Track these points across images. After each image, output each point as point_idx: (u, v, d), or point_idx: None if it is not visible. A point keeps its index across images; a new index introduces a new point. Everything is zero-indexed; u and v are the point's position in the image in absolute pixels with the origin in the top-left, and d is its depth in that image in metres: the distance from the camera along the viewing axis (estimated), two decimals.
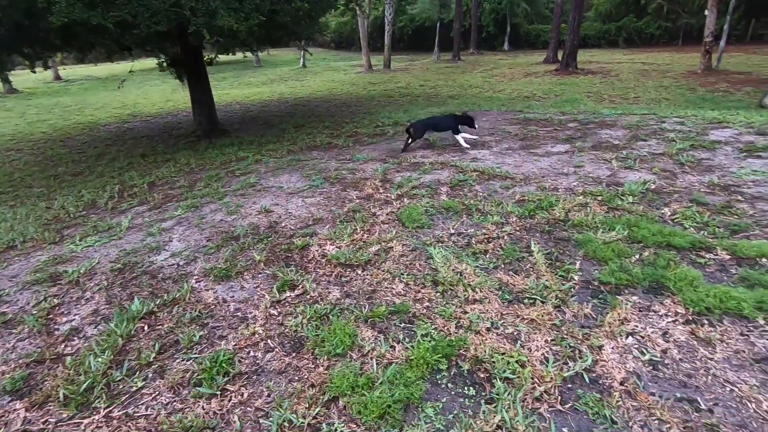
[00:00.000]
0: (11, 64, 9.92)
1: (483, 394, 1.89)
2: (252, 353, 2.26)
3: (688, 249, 2.85)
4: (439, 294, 2.60)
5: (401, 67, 26.02)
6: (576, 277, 2.65)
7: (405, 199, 4.11)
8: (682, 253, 2.83)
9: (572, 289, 2.54)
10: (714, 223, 3.18)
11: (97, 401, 2.00)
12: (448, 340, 2.17)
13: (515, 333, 2.23)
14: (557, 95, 13.06)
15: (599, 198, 3.75)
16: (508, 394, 1.85)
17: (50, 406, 2.01)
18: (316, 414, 1.83)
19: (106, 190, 5.74)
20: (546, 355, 2.06)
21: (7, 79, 19.25)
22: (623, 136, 5.80)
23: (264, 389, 2.01)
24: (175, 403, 1.97)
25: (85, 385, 2.08)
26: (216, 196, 4.82)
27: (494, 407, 1.79)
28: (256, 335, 2.37)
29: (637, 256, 2.81)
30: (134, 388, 2.07)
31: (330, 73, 24.88)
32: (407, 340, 2.24)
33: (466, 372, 2.01)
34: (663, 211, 3.43)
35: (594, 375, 1.94)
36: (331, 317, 2.45)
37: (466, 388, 1.93)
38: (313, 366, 2.12)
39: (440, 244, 3.18)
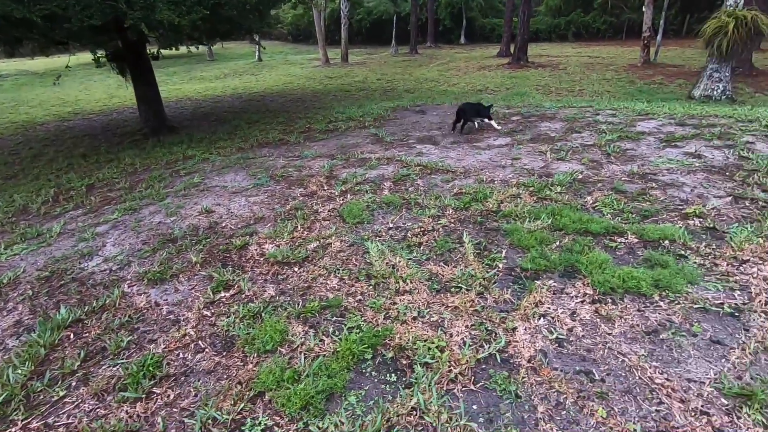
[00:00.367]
0: None
1: (404, 379, 2.00)
2: (182, 355, 2.26)
3: (602, 234, 3.09)
4: (371, 287, 2.69)
5: (359, 60, 25.93)
6: (500, 265, 2.82)
7: (348, 195, 4.18)
8: (597, 238, 3.05)
9: (495, 277, 2.70)
10: (628, 209, 3.44)
11: (14, 414, 1.96)
12: (375, 331, 2.26)
13: (439, 320, 2.35)
14: (508, 88, 13.49)
15: (530, 189, 3.96)
16: (426, 378, 1.97)
17: None
18: (241, 410, 1.88)
19: (41, 194, 5.44)
20: (465, 339, 2.20)
21: None
22: (560, 129, 6.10)
23: (191, 390, 2.03)
24: (98, 410, 1.96)
25: (1, 398, 2.03)
26: (157, 197, 4.69)
27: (411, 391, 1.91)
28: (187, 337, 2.38)
29: (557, 243, 3.01)
30: (55, 398, 2.04)
31: (286, 67, 24.42)
32: (336, 333, 2.32)
33: (389, 360, 2.11)
34: (586, 200, 3.68)
35: (506, 355, 2.09)
36: (263, 315, 2.49)
37: (388, 375, 2.03)
38: (242, 364, 2.16)
39: (378, 239, 3.27)
